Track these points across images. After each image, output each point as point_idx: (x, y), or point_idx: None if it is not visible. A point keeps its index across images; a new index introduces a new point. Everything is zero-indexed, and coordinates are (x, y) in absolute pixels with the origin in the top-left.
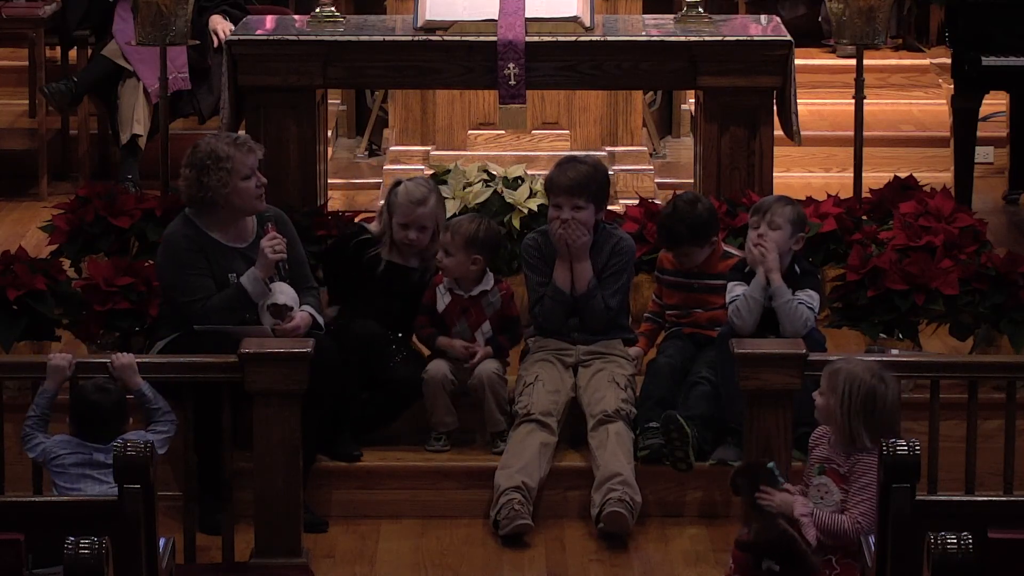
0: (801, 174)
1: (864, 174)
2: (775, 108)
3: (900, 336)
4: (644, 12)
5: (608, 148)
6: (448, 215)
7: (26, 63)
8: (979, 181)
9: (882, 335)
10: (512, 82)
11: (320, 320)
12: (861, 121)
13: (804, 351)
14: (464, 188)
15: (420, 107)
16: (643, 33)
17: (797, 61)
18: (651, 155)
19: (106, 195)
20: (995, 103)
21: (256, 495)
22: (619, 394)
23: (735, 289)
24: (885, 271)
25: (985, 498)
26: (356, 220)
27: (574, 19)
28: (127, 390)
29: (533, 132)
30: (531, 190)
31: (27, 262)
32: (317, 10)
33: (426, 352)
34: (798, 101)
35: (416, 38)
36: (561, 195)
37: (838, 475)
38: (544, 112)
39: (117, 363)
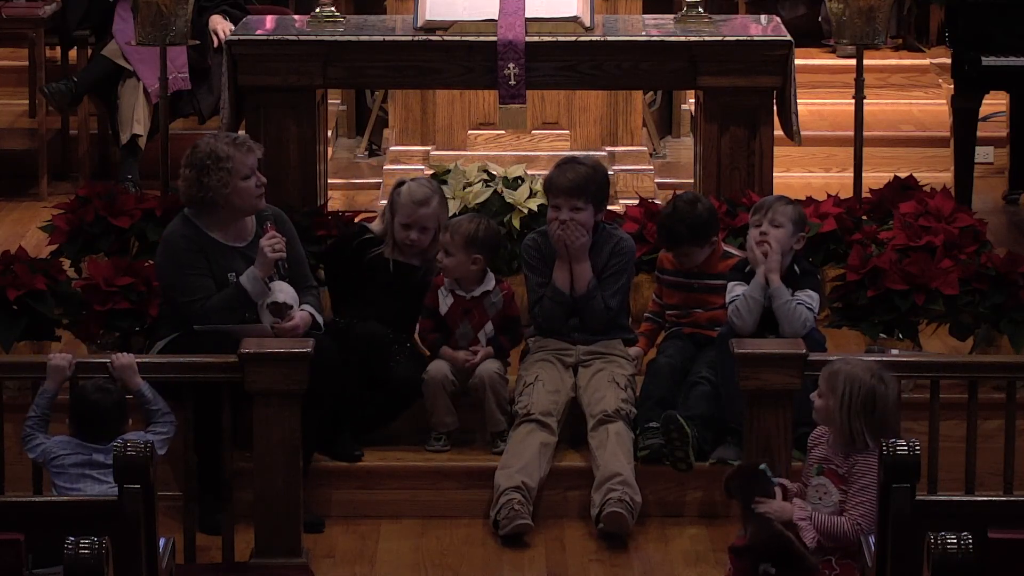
0: (801, 174)
1: (864, 174)
2: (775, 108)
3: (900, 336)
4: (644, 12)
5: (608, 148)
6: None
7: (26, 63)
8: (979, 181)
9: (882, 335)
10: (512, 82)
11: (320, 320)
12: (861, 121)
13: (804, 351)
14: (464, 188)
15: (420, 107)
16: (643, 33)
17: (797, 61)
18: (651, 155)
19: (106, 195)
20: (995, 103)
21: (256, 495)
22: (619, 394)
23: (735, 289)
24: (885, 271)
25: (985, 498)
26: (356, 220)
27: (574, 19)
28: (127, 390)
29: (533, 132)
30: (531, 190)
31: (27, 262)
32: (317, 10)
33: (427, 352)
34: (798, 101)
35: (416, 38)
36: (560, 196)
37: (837, 476)
38: (544, 112)
39: (117, 363)
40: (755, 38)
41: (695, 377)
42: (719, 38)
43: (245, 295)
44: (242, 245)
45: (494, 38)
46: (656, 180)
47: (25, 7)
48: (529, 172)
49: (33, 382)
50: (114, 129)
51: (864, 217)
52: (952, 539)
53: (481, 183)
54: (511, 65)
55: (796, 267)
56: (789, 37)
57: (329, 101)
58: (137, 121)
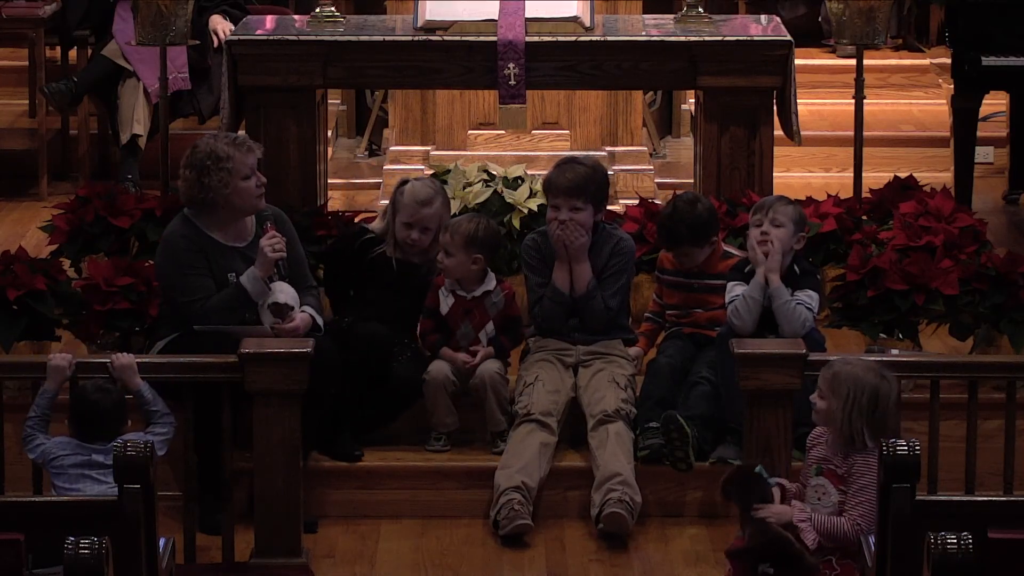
0: (801, 174)
1: (864, 174)
2: (775, 108)
3: (900, 336)
4: (644, 12)
5: (608, 148)
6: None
7: (26, 63)
8: (979, 181)
9: (882, 335)
10: (512, 82)
11: (320, 321)
12: (861, 121)
13: (804, 351)
14: (464, 188)
15: (420, 107)
16: (643, 33)
17: (797, 61)
18: (651, 155)
19: (106, 195)
20: (995, 103)
21: (256, 495)
22: (619, 394)
23: (735, 289)
24: (885, 271)
25: (985, 498)
26: (356, 220)
27: (574, 19)
28: (127, 391)
29: (533, 132)
30: (531, 190)
31: (27, 262)
32: (317, 10)
33: (428, 352)
34: (798, 101)
35: (416, 38)
36: (559, 196)
37: (836, 476)
38: (544, 112)
39: (117, 363)
40: (755, 38)
41: (695, 377)
42: (719, 38)
43: (245, 295)
44: (242, 245)
45: (494, 38)
46: (656, 180)
47: (25, 7)
48: (529, 172)
49: (33, 382)
50: (114, 129)
51: (864, 217)
52: (952, 539)
53: (481, 183)
54: (511, 65)
55: (796, 267)
56: (789, 37)
57: (329, 101)
58: (137, 121)
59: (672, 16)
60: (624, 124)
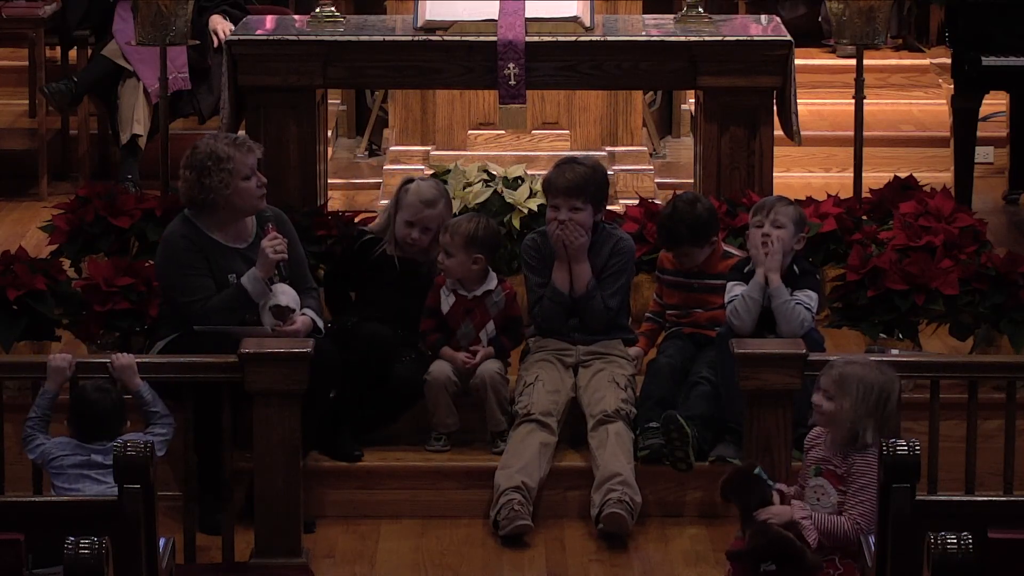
0: (801, 174)
1: (864, 174)
2: (775, 108)
3: (900, 336)
4: (644, 12)
5: (608, 148)
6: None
7: (26, 63)
8: (979, 181)
9: (882, 335)
10: (512, 82)
11: (320, 324)
12: (861, 121)
13: (804, 351)
14: (464, 188)
15: (420, 107)
16: (643, 33)
17: (797, 61)
18: (651, 155)
19: (106, 195)
20: (995, 103)
21: (256, 495)
22: (619, 394)
23: (734, 289)
24: (885, 271)
25: (985, 498)
26: (356, 220)
27: (574, 19)
28: (126, 391)
29: (533, 132)
30: (531, 190)
31: (27, 262)
32: (317, 10)
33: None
34: (798, 101)
35: (416, 38)
36: (559, 196)
37: (835, 476)
38: (544, 112)
39: (117, 364)
40: (755, 38)
41: (695, 377)
42: (719, 38)
43: (246, 296)
44: (242, 246)
45: (494, 38)
46: (656, 180)
47: (25, 7)
48: (529, 172)
49: (33, 382)
50: (114, 129)
51: (864, 217)
52: (952, 539)
53: (481, 183)
54: (511, 65)
55: (795, 267)
56: (789, 37)
57: (329, 101)
58: (137, 121)
59: (672, 16)
60: (624, 124)
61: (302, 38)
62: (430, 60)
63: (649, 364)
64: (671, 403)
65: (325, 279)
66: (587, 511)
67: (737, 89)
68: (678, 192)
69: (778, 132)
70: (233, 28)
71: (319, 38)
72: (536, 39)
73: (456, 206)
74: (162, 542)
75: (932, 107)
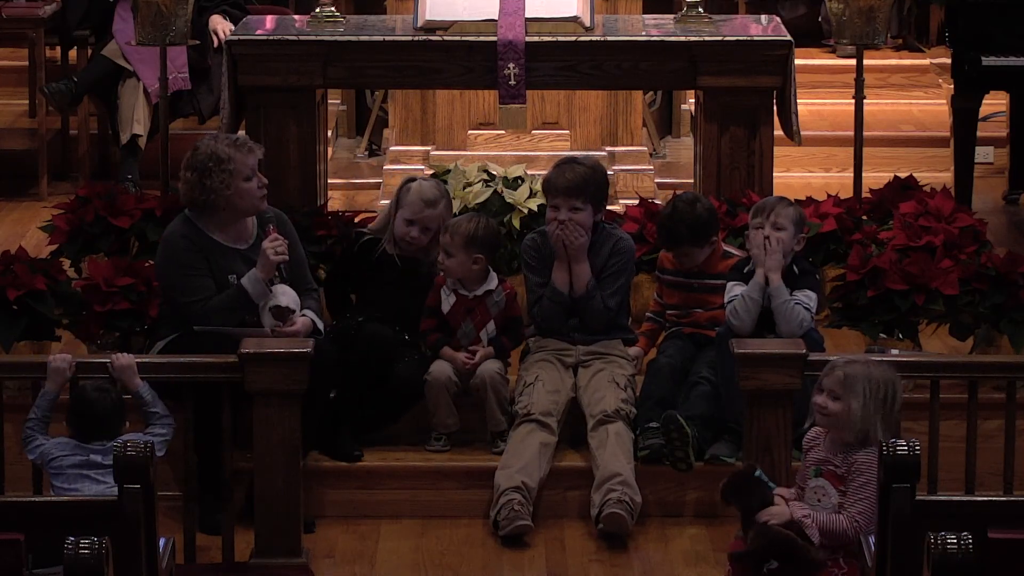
0: (801, 174)
1: (864, 174)
2: (775, 108)
3: (900, 336)
4: (644, 12)
5: (608, 148)
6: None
7: (26, 63)
8: (979, 181)
9: (882, 335)
10: (512, 82)
11: (320, 325)
12: (861, 121)
13: (804, 351)
14: (464, 188)
15: (420, 107)
16: (643, 33)
17: (797, 61)
18: (651, 155)
19: (106, 195)
20: (995, 103)
21: (256, 495)
22: (619, 394)
23: (734, 289)
24: (885, 271)
25: (985, 498)
26: (356, 221)
27: (574, 19)
28: (126, 391)
29: (533, 132)
30: (531, 190)
31: (27, 262)
32: (317, 10)
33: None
34: (798, 101)
35: (416, 38)
36: (559, 196)
37: (835, 476)
38: (544, 112)
39: (117, 364)
40: (755, 38)
41: (695, 377)
42: (719, 38)
43: (246, 296)
44: (243, 247)
45: (494, 38)
46: (656, 180)
47: (25, 7)
48: (529, 172)
49: (33, 382)
50: (114, 129)
51: (864, 217)
52: (952, 539)
53: (481, 183)
54: (511, 65)
55: (795, 267)
56: (789, 37)
57: (329, 101)
58: (137, 121)
59: (672, 16)
60: (624, 124)
61: (302, 38)
62: (430, 60)
63: (649, 364)
64: (671, 403)
65: (325, 280)
66: (587, 511)
67: (737, 89)
68: (678, 192)
69: (778, 132)
70: (233, 28)
71: (319, 38)
72: (536, 39)
73: (456, 206)
74: (162, 542)
75: (932, 107)
